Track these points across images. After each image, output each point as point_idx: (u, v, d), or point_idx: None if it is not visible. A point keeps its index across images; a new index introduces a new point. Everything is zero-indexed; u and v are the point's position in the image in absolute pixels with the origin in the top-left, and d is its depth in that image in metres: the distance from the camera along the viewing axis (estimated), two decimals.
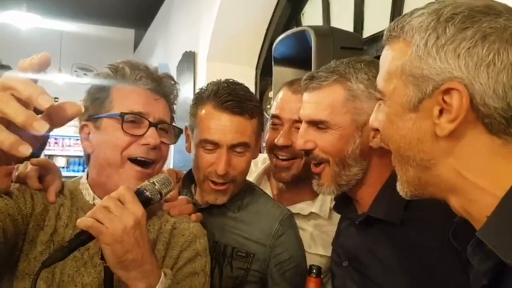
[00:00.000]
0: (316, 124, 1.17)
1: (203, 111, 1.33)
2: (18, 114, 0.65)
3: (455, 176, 0.75)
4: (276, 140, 1.48)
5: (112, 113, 1.13)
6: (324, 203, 1.54)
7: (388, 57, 0.82)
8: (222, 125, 1.29)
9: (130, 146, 1.12)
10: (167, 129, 1.19)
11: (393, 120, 0.80)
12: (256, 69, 4.19)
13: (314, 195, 1.56)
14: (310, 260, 1.39)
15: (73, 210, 1.14)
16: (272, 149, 1.53)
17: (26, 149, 0.65)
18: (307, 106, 1.19)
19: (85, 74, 8.49)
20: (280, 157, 1.50)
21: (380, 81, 0.84)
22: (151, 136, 1.12)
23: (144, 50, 8.16)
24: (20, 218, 1.05)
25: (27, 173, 1.15)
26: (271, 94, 3.34)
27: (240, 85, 1.38)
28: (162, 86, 1.19)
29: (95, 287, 1.07)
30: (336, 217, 1.49)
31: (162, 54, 6.53)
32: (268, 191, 1.58)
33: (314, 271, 1.21)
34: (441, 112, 0.73)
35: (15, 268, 1.05)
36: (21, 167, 1.19)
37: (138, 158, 1.13)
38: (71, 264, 1.08)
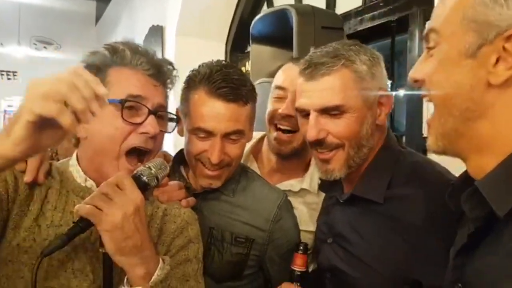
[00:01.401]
0: (329, 111, 1.16)
1: (196, 97, 1.30)
2: (80, 102, 0.78)
3: (492, 131, 0.78)
4: (280, 110, 1.48)
5: (111, 98, 1.06)
6: (313, 178, 1.57)
7: (450, 4, 0.81)
8: (216, 112, 1.26)
9: (129, 136, 1.08)
10: (164, 117, 1.16)
11: (446, 65, 0.81)
12: (226, 44, 4.15)
13: (302, 172, 1.59)
14: (302, 237, 1.43)
15: (62, 192, 1.11)
16: (274, 120, 1.52)
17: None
18: (316, 94, 1.17)
19: (44, 47, 8.19)
20: (282, 127, 1.50)
21: (437, 23, 0.83)
22: (151, 125, 1.08)
23: (106, 24, 7.91)
24: (3, 203, 1.02)
25: None
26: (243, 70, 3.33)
27: (233, 68, 1.35)
28: (161, 72, 1.15)
29: (86, 273, 1.05)
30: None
31: (126, 28, 6.36)
32: (255, 170, 1.58)
33: (301, 247, 1.25)
34: (497, 61, 0.75)
35: None
36: None
37: (136, 147, 1.09)
38: (53, 264, 1.04)
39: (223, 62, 1.37)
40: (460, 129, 0.81)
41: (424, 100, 0.89)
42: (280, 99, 1.51)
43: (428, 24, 0.87)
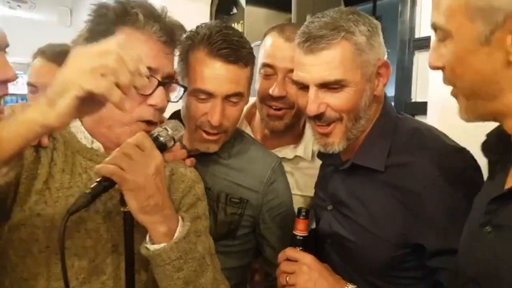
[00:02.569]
0: (328, 85, 1.17)
1: (195, 58, 1.29)
2: (127, 78, 0.80)
3: None
4: (271, 91, 1.49)
5: None
6: (307, 146, 1.61)
7: None
8: (217, 74, 1.27)
9: (138, 106, 1.07)
10: (169, 86, 1.15)
11: (464, 57, 0.83)
12: (211, 6, 4.07)
13: (296, 140, 1.62)
14: (294, 201, 1.47)
15: (67, 154, 1.10)
16: (265, 99, 1.53)
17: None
18: (316, 69, 1.17)
19: (18, 6, 7.88)
20: (274, 107, 1.52)
21: (440, 18, 0.85)
22: (160, 97, 1.07)
23: None
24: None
25: None
26: None
27: (233, 29, 1.35)
28: (174, 39, 1.12)
29: (100, 232, 1.07)
30: (318, 159, 1.57)
31: None
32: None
33: (303, 213, 1.29)
34: None
35: (7, 220, 1.03)
36: (6, 112, 1.10)
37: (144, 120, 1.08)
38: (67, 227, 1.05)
39: (222, 24, 1.36)
40: (489, 106, 0.86)
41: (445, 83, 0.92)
42: (268, 76, 1.52)
43: (432, 14, 0.89)
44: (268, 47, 1.51)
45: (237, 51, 1.28)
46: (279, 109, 1.53)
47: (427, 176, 1.12)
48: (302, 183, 1.56)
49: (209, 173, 1.39)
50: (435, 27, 0.89)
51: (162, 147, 1.02)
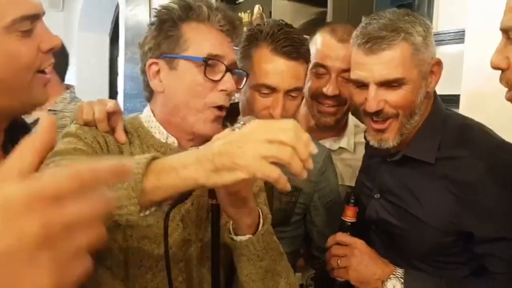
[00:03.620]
0: (388, 83, 1.24)
1: (259, 54, 1.36)
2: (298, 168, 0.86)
3: None
4: (325, 90, 1.57)
5: (193, 56, 1.12)
6: (350, 138, 1.70)
7: None
8: (280, 70, 1.34)
9: (210, 92, 1.13)
10: (234, 74, 1.20)
11: None
12: None
13: (340, 133, 1.71)
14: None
15: (144, 148, 1.15)
16: (317, 97, 1.61)
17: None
18: (377, 67, 1.23)
19: None
20: (326, 106, 1.60)
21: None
22: (229, 82, 1.13)
23: None
24: None
25: (97, 116, 1.14)
26: None
27: (292, 27, 1.41)
28: (235, 28, 1.18)
29: (176, 222, 1.12)
30: (360, 150, 1.66)
31: None
32: None
33: (352, 200, 1.38)
34: None
35: None
36: (85, 109, 1.17)
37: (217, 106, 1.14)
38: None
39: (282, 21, 1.43)
40: None
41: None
42: (320, 75, 1.59)
43: (505, 17, 0.96)
44: (320, 47, 1.58)
45: (298, 48, 1.35)
46: (332, 106, 1.60)
47: (479, 169, 1.21)
48: (344, 173, 1.65)
49: None
50: (506, 29, 0.96)
51: None
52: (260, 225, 1.07)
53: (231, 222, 1.08)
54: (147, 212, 0.89)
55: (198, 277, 1.15)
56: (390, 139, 1.29)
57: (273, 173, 0.81)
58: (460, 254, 1.30)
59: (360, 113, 1.37)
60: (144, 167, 0.85)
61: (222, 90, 1.13)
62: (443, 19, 2.19)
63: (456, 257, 1.31)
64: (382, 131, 1.29)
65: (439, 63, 1.30)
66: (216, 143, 0.87)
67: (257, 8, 3.79)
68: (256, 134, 0.81)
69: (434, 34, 2.13)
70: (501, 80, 1.01)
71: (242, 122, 1.11)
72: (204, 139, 1.16)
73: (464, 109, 1.79)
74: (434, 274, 1.30)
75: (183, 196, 0.97)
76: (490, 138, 1.25)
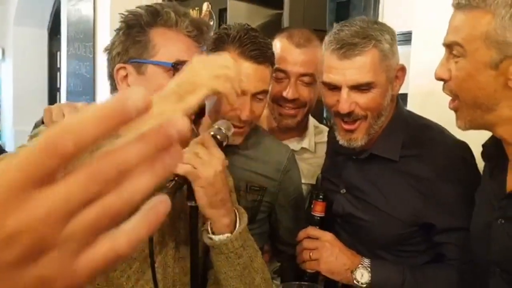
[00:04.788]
0: (359, 87, 1.32)
1: None
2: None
3: (511, 114, 1.04)
4: (285, 94, 1.63)
5: (162, 61, 1.14)
6: (311, 139, 1.78)
7: (468, 22, 1.04)
8: (247, 73, 1.38)
9: None
10: None
11: (474, 75, 1.04)
12: None
13: (301, 134, 1.79)
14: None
15: None
16: (277, 100, 1.67)
17: None
18: (349, 72, 1.31)
19: None
20: (287, 109, 1.66)
21: (458, 39, 1.06)
22: None
23: None
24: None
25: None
26: None
27: (257, 31, 1.46)
28: (203, 34, 1.21)
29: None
30: (320, 150, 1.77)
31: None
32: None
33: (320, 196, 1.46)
34: None
35: None
36: (54, 111, 1.17)
37: None
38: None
39: (247, 25, 1.48)
40: (486, 116, 1.08)
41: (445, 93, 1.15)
42: (280, 79, 1.65)
43: (448, 35, 1.09)
44: (279, 52, 1.63)
45: (265, 52, 1.40)
46: (292, 109, 1.67)
47: (438, 165, 1.33)
48: (305, 172, 1.73)
49: (230, 163, 1.50)
50: (449, 44, 1.09)
51: (220, 146, 1.13)
52: (237, 224, 1.13)
53: (209, 223, 1.13)
54: None
55: (172, 278, 1.18)
56: (359, 139, 1.39)
57: (227, 88, 0.93)
58: (419, 243, 1.42)
59: (330, 114, 1.45)
60: None
61: None
62: (389, 21, 2.32)
63: (416, 246, 1.42)
64: (351, 131, 1.38)
65: (403, 69, 1.41)
66: (171, 81, 0.93)
67: (205, 6, 3.82)
68: (203, 64, 0.92)
69: None
70: (444, 89, 1.15)
71: (217, 126, 1.17)
72: None
73: (411, 108, 1.92)
74: (396, 262, 1.41)
75: (173, 193, 1.01)
76: (447, 137, 1.38)
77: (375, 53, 1.32)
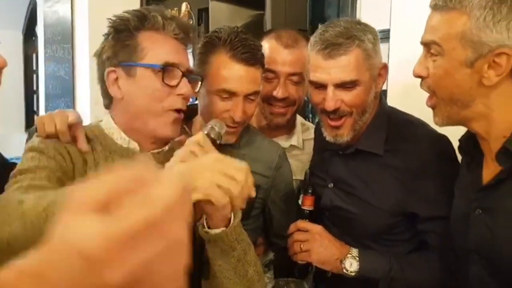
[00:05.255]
0: (344, 85, 1.39)
1: (217, 60, 1.43)
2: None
3: (485, 109, 1.12)
4: (275, 93, 1.69)
5: (151, 63, 1.19)
6: (299, 136, 1.85)
7: (445, 22, 1.11)
8: (239, 75, 1.42)
9: (168, 97, 1.20)
10: (190, 79, 1.27)
11: (450, 72, 1.11)
12: None
13: (288, 131, 1.85)
14: None
15: (106, 154, 1.21)
16: (268, 100, 1.73)
17: None
18: (334, 71, 1.38)
19: None
20: (277, 108, 1.72)
21: (435, 39, 1.12)
22: (186, 87, 1.22)
23: None
24: (64, 177, 1.12)
25: (59, 128, 1.18)
26: None
27: (247, 33, 1.50)
28: (189, 36, 1.26)
29: None
30: (307, 146, 1.84)
31: None
32: None
33: (309, 191, 1.53)
34: (488, 68, 1.06)
35: None
36: (46, 121, 1.20)
37: (175, 109, 1.22)
38: None
39: (237, 27, 1.53)
40: (462, 112, 1.15)
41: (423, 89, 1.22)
42: (270, 79, 1.72)
43: (426, 35, 1.17)
44: (268, 53, 1.68)
45: (255, 54, 1.45)
46: (282, 108, 1.74)
47: (421, 159, 1.41)
48: (294, 168, 1.79)
49: None
50: (427, 43, 1.17)
51: (214, 144, 1.18)
52: (232, 218, 1.18)
53: (205, 217, 1.18)
54: None
55: None
56: (344, 135, 1.46)
57: (223, 200, 0.97)
58: (404, 232, 1.50)
59: (317, 112, 1.51)
60: None
61: (179, 95, 1.22)
62: (367, 19, 2.40)
63: (401, 235, 1.51)
64: (337, 127, 1.45)
65: (385, 67, 1.49)
66: (178, 165, 0.99)
67: (184, 6, 3.85)
68: (214, 165, 0.98)
69: None
70: (422, 86, 1.23)
71: (210, 125, 1.22)
72: (165, 142, 1.24)
73: (390, 104, 2.00)
74: (383, 251, 1.49)
75: None
76: (429, 132, 1.46)
77: (359, 53, 1.39)
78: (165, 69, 1.19)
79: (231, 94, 1.44)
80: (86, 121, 1.38)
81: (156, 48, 1.20)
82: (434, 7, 1.16)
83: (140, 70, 1.20)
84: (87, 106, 3.73)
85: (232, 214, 1.18)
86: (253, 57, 1.44)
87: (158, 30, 1.20)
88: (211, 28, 2.48)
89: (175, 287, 0.43)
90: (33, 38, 4.82)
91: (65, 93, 4.08)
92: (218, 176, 0.96)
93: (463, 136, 1.28)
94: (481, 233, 1.17)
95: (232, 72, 1.43)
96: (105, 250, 0.35)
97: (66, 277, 0.35)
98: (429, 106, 1.23)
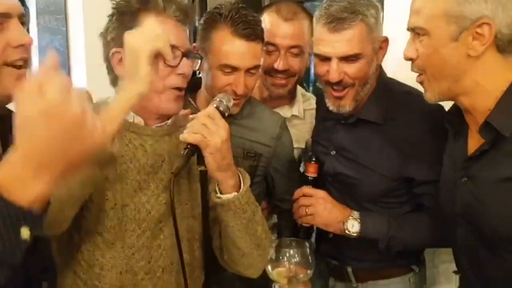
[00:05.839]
0: (348, 58, 1.47)
1: (220, 36, 1.51)
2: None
3: (474, 84, 1.20)
4: (276, 65, 1.77)
5: None
6: (300, 106, 1.94)
7: (427, 3, 1.19)
8: (241, 51, 1.50)
9: (169, 76, 1.25)
10: (189, 57, 1.33)
11: (438, 49, 1.19)
12: None
13: (289, 101, 1.94)
14: None
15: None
16: (269, 72, 1.81)
17: None
18: (339, 44, 1.46)
19: None
20: (278, 79, 1.81)
21: (420, 22, 1.20)
22: (186, 66, 1.27)
23: None
24: None
25: None
26: None
27: (247, 9, 1.57)
28: (188, 17, 1.32)
29: (151, 202, 1.28)
30: (308, 116, 1.94)
31: None
32: None
33: (313, 158, 1.64)
34: (472, 39, 1.15)
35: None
36: None
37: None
38: (126, 188, 1.26)
39: (237, 3, 1.59)
40: (452, 87, 1.24)
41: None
42: (270, 52, 1.79)
43: (411, 19, 1.24)
44: (269, 27, 1.75)
45: (255, 30, 1.52)
46: (283, 79, 1.82)
47: (419, 127, 1.52)
48: (295, 137, 1.89)
49: None
50: (413, 28, 1.24)
51: (223, 116, 1.26)
52: (242, 184, 1.29)
53: (216, 184, 1.28)
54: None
55: (186, 229, 1.34)
56: (347, 105, 1.55)
57: (161, 45, 1.15)
58: (401, 195, 1.62)
59: (321, 83, 1.60)
60: None
61: (179, 74, 1.28)
62: None
63: (398, 198, 1.63)
64: (340, 98, 1.55)
65: (386, 40, 1.57)
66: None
67: None
68: (138, 37, 1.13)
69: None
70: (413, 67, 1.30)
71: (218, 99, 1.30)
72: (168, 117, 1.32)
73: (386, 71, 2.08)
74: (382, 212, 1.61)
75: (184, 163, 1.19)
76: (426, 103, 1.54)
77: (362, 27, 1.48)
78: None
79: (233, 68, 1.52)
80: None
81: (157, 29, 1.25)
82: None
83: None
84: (83, 78, 3.76)
85: (242, 181, 1.28)
86: (253, 33, 1.51)
87: (159, 12, 1.26)
88: (208, 4, 2.52)
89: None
90: (25, 8, 4.76)
91: (60, 64, 4.07)
92: (144, 37, 1.12)
93: (450, 109, 1.37)
94: (466, 199, 1.28)
95: (233, 48, 1.50)
96: None
97: None
98: (418, 82, 1.32)
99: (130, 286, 1.27)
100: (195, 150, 1.20)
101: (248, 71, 1.54)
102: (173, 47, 1.23)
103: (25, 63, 1.20)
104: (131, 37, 1.11)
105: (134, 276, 1.27)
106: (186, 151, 1.19)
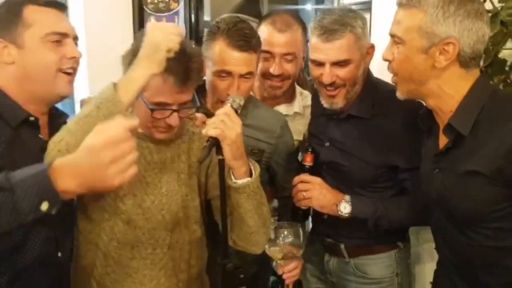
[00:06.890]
0: (339, 63, 1.69)
1: (218, 47, 1.73)
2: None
3: (437, 88, 1.41)
4: (271, 70, 2.02)
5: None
6: (300, 103, 2.19)
7: (407, 17, 1.39)
8: (235, 60, 1.72)
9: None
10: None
11: (410, 57, 1.40)
12: None
13: (287, 100, 2.19)
14: None
15: None
16: (266, 76, 2.06)
17: None
18: (331, 52, 1.68)
19: None
20: (274, 82, 2.06)
21: (400, 31, 1.41)
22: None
23: None
24: None
25: None
26: None
27: (245, 23, 1.79)
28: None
29: (173, 183, 1.56)
30: (306, 112, 2.16)
31: None
32: None
33: (310, 149, 1.86)
34: (439, 54, 1.36)
35: None
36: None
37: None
38: (149, 172, 1.55)
39: (237, 17, 1.82)
40: (419, 88, 1.45)
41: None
42: (267, 59, 2.04)
43: (392, 27, 1.44)
44: (265, 37, 1.99)
45: (249, 42, 1.73)
46: (278, 82, 2.07)
47: (402, 121, 1.75)
48: (297, 131, 2.13)
49: None
50: (393, 35, 1.45)
51: (236, 113, 1.48)
52: (253, 170, 1.51)
53: (231, 171, 1.49)
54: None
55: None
56: (339, 103, 1.78)
57: (176, 42, 1.40)
58: (387, 181, 1.85)
59: (316, 84, 1.83)
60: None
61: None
62: None
63: (384, 184, 1.86)
64: (333, 96, 1.78)
65: (372, 47, 1.80)
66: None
67: None
68: (157, 30, 1.40)
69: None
70: (388, 68, 1.51)
71: (232, 99, 1.52)
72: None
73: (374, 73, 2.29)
74: (370, 196, 1.84)
75: (206, 153, 1.40)
76: (408, 101, 1.75)
77: (351, 36, 1.70)
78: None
79: (228, 73, 1.74)
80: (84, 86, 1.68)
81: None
82: (400, 5, 1.43)
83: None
84: (83, 78, 3.90)
85: (252, 167, 1.50)
86: (246, 44, 1.73)
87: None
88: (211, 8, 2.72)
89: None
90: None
91: None
92: (163, 32, 1.36)
93: (422, 110, 1.58)
94: (438, 188, 1.49)
95: (228, 56, 1.73)
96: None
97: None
98: (392, 82, 1.54)
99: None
100: (215, 142, 1.41)
101: (241, 77, 1.75)
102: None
103: (74, 71, 1.51)
104: (155, 28, 1.39)
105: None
106: (208, 143, 1.41)
